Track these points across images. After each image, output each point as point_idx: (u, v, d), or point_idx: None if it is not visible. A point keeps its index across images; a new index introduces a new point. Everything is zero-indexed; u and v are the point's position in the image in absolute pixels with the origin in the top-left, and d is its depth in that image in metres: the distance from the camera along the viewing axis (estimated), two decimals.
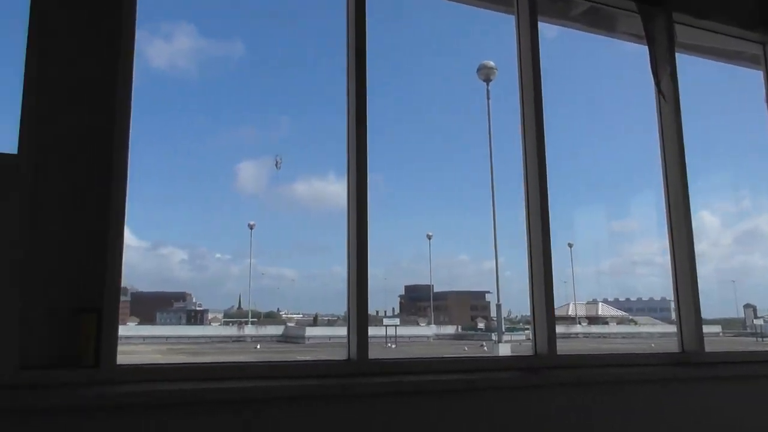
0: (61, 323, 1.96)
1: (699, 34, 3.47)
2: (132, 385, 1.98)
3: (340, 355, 2.45)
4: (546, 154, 2.87)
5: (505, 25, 3.04)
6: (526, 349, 2.88)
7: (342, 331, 2.48)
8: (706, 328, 3.08)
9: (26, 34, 2.02)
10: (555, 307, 2.77)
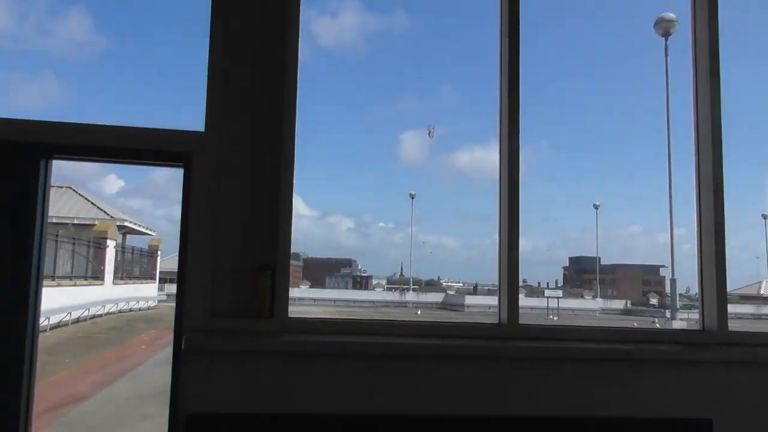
0: (243, 280, 2.24)
1: None
2: (302, 335, 2.22)
3: (493, 320, 2.50)
4: (722, 115, 2.62)
5: None
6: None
7: None
8: None
9: (209, 28, 2.28)
10: (745, 284, 2.56)
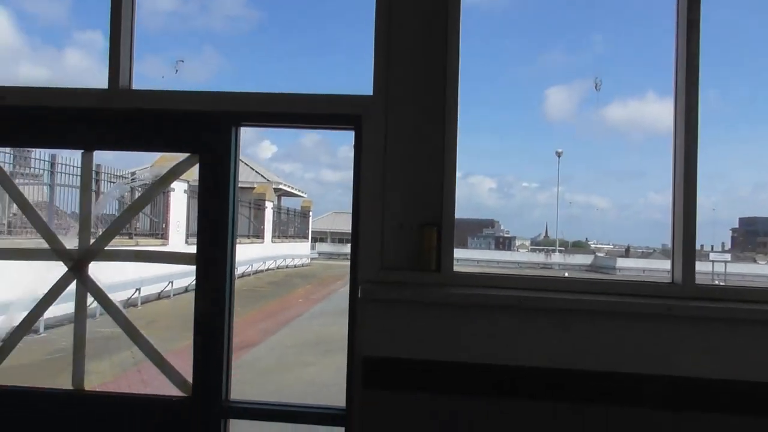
0: (411, 235, 2.37)
1: None
2: (466, 288, 2.31)
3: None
4: None
5: None
6: None
7: (657, 264, 2.44)
8: None
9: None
10: None
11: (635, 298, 2.22)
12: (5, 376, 2.67)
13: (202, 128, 2.43)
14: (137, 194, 13.92)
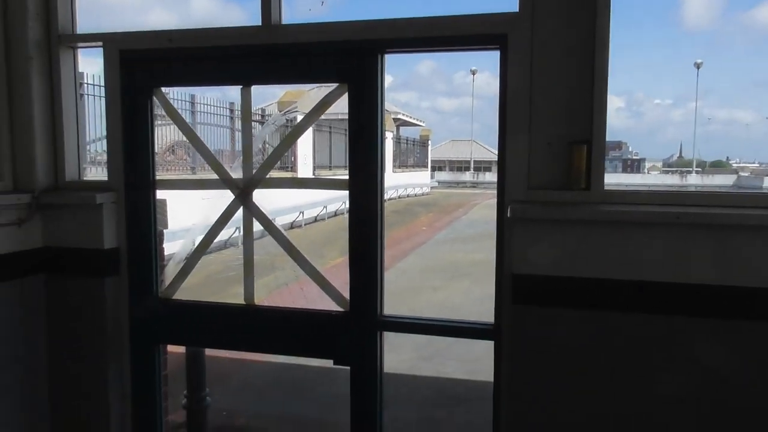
0: (558, 154, 2.35)
1: None
2: (617, 206, 2.28)
3: None
4: None
5: None
6: None
7: None
8: None
9: None
10: None
11: None
12: (189, 291, 3.05)
13: (349, 58, 2.53)
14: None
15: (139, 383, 2.96)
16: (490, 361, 2.56)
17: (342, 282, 2.74)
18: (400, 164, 30.53)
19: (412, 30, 2.44)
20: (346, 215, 2.76)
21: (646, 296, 2.23)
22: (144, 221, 2.89)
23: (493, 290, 2.50)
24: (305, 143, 16.94)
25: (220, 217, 2.86)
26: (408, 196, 29.56)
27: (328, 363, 2.77)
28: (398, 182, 27.07)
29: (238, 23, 2.68)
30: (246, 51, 2.63)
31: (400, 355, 6.36)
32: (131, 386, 2.96)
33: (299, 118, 15.93)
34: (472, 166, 55.33)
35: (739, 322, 2.16)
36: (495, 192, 2.51)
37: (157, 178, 2.88)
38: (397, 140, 30.46)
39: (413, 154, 33.94)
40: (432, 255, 13.63)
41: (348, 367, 2.72)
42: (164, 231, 3.13)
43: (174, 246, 3.23)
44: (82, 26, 2.90)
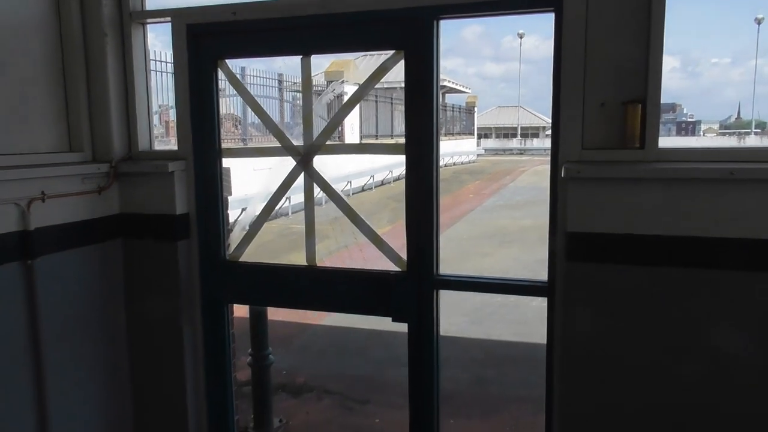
0: (612, 114, 2.39)
1: None
2: (674, 163, 2.32)
3: None
4: None
5: None
6: None
7: None
8: None
9: None
10: None
11: None
12: (255, 254, 3.23)
13: (404, 25, 2.60)
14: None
15: (209, 339, 3.18)
16: (537, 325, 2.65)
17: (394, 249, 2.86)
18: (446, 132, 30.32)
19: None
20: (393, 184, 2.87)
21: (701, 252, 2.27)
22: (211, 188, 3.06)
23: (541, 255, 2.57)
24: (352, 113, 17.05)
25: (282, 183, 3.01)
26: (454, 164, 29.42)
27: (382, 327, 2.91)
28: (444, 150, 26.95)
29: None
30: (305, 21, 2.73)
31: (450, 318, 6.50)
32: (203, 342, 3.18)
33: (346, 88, 16.03)
34: (519, 132, 54.44)
35: None
36: (542, 158, 2.59)
37: (223, 146, 3.04)
38: (443, 108, 30.21)
39: (459, 122, 33.61)
40: (480, 222, 13.65)
41: (405, 324, 2.85)
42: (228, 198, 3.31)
43: (230, 215, 3.40)
44: (150, 3, 3.06)
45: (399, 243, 2.86)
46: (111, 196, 3.06)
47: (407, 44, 2.61)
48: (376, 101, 21.33)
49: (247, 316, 4.05)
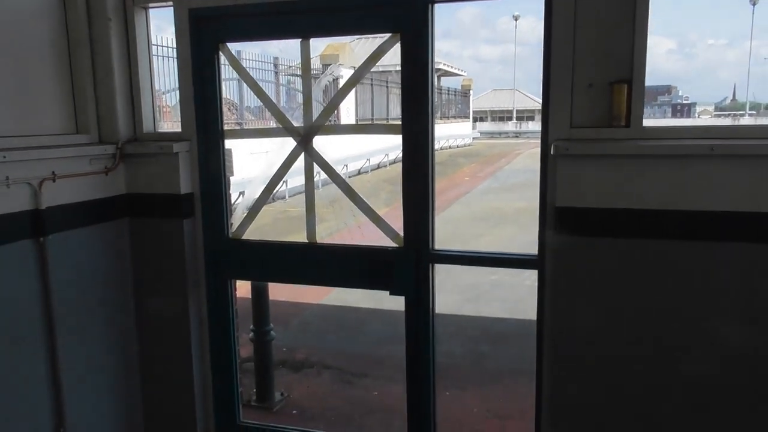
0: (600, 93, 2.50)
1: None
2: (657, 141, 2.44)
3: None
4: None
5: None
6: None
7: None
8: None
9: None
10: None
11: None
12: (258, 231, 3.35)
13: (401, 8, 2.70)
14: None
15: (214, 313, 3.30)
16: (531, 302, 2.78)
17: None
18: (442, 115, 30.32)
19: None
20: (388, 168, 2.98)
21: (684, 224, 2.40)
22: (214, 168, 3.17)
23: (534, 236, 2.69)
24: (348, 96, 17.10)
25: (283, 163, 3.12)
26: (450, 147, 29.48)
27: (380, 305, 3.03)
28: (439, 134, 26.99)
29: None
30: (304, 6, 2.83)
31: (446, 297, 6.64)
32: (208, 315, 3.30)
33: (343, 71, 16.03)
34: (514, 115, 54.42)
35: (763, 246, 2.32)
36: (537, 141, 2.68)
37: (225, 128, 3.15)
38: (438, 91, 30.19)
39: (454, 105, 33.61)
40: (475, 204, 13.79)
41: (402, 303, 2.98)
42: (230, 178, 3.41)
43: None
44: None
45: (396, 225, 2.97)
46: (117, 177, 3.17)
47: (403, 27, 2.71)
48: (372, 85, 21.33)
49: (248, 296, 4.18)
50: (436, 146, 2.85)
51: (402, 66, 2.75)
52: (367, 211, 3.08)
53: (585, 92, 2.52)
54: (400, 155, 2.87)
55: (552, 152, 2.50)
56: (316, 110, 3.02)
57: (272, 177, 3.21)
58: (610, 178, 2.44)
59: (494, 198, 14.20)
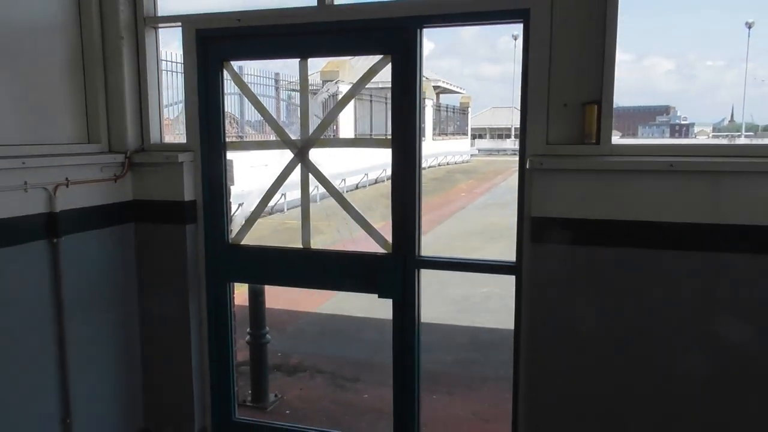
0: (573, 113, 2.73)
1: None
2: (623, 157, 2.66)
3: None
4: None
5: None
6: None
7: None
8: None
9: None
10: None
11: None
12: (256, 238, 3.56)
13: (391, 33, 2.93)
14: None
15: (213, 314, 3.50)
16: None
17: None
18: (440, 132, 30.64)
19: (446, 7, 2.83)
20: (386, 182, 3.19)
21: (649, 234, 2.61)
22: (216, 177, 3.39)
23: None
24: (347, 111, 17.37)
25: (280, 173, 3.33)
26: (448, 164, 29.74)
27: (372, 315, 3.21)
28: (438, 150, 27.26)
29: (296, 4, 3.12)
30: (303, 28, 3.06)
31: (437, 308, 6.83)
32: (207, 317, 3.50)
33: (341, 88, 16.34)
34: (513, 133, 54.77)
35: (731, 255, 2.53)
36: None
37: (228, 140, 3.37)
38: (437, 108, 30.52)
39: (453, 122, 33.96)
40: (471, 219, 14.00)
41: (390, 300, 3.18)
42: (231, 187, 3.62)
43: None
44: (162, 9, 3.38)
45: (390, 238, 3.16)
46: (125, 184, 3.38)
47: (394, 49, 2.94)
48: (371, 101, 21.64)
49: (245, 304, 4.37)
50: (434, 162, 3.06)
51: (392, 85, 2.97)
52: (358, 219, 3.29)
53: (560, 111, 2.75)
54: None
55: (528, 166, 2.72)
56: (313, 124, 3.24)
57: (270, 186, 3.42)
58: (580, 190, 2.66)
59: (489, 213, 14.43)
